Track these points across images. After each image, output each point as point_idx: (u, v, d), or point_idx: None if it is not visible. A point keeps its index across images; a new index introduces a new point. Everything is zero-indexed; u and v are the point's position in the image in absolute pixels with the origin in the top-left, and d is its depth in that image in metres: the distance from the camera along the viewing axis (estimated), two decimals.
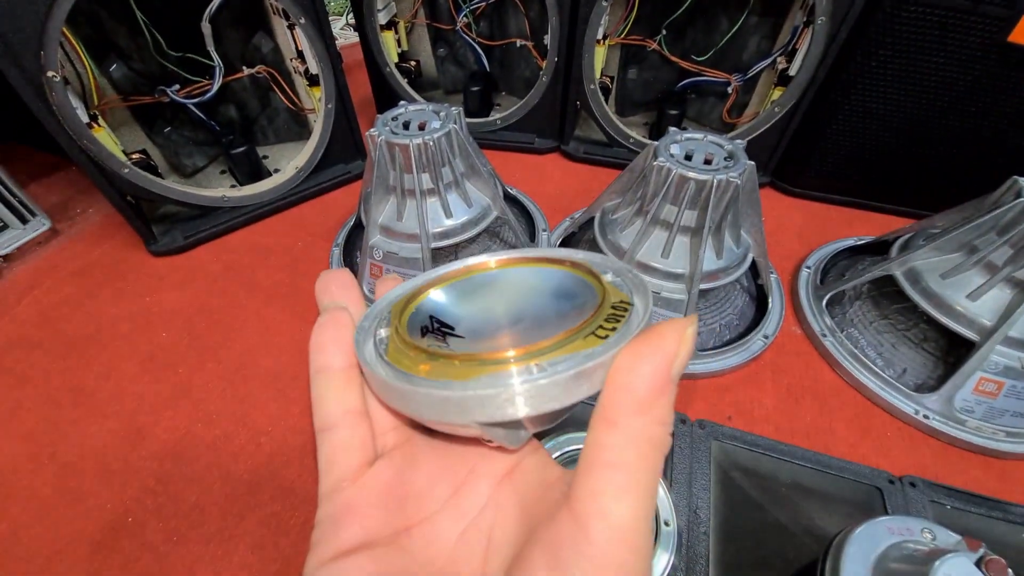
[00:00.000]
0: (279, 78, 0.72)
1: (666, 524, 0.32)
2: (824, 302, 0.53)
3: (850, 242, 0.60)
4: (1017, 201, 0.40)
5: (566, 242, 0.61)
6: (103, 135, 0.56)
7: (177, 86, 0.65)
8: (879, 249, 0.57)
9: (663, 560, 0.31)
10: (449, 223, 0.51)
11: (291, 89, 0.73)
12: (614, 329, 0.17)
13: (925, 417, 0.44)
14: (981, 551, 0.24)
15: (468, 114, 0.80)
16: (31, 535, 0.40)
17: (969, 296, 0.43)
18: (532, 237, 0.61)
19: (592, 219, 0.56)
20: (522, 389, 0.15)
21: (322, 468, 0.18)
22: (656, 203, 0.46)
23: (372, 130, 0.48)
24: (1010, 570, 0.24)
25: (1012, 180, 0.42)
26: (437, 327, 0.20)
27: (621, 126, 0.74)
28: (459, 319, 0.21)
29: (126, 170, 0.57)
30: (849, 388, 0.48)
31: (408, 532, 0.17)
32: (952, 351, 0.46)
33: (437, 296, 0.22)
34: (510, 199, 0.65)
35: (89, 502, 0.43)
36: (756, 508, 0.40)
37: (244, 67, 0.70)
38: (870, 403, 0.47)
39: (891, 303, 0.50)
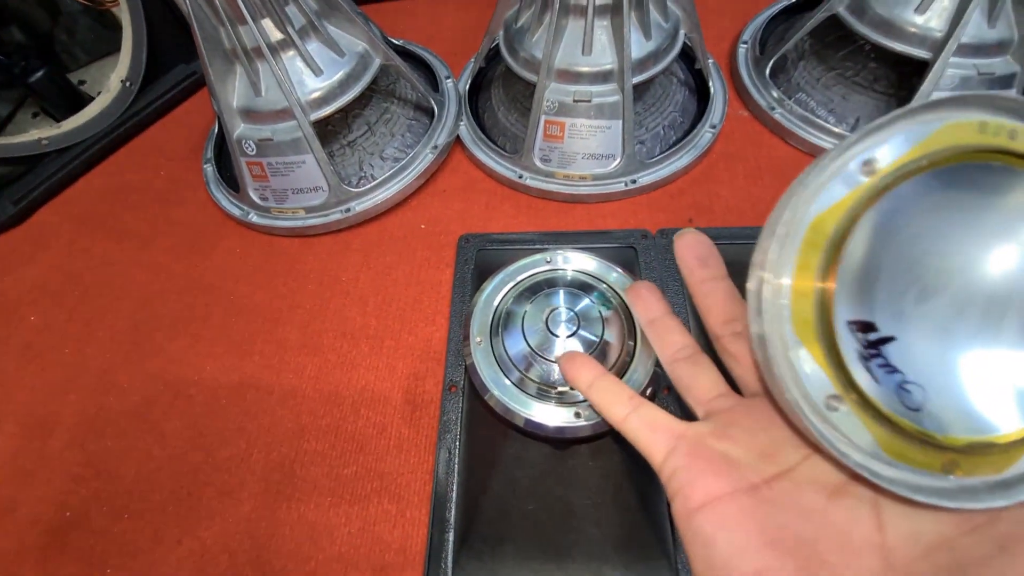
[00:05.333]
0: None
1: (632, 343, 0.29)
2: (767, 73, 0.47)
3: (783, 3, 0.53)
4: None
5: (476, 83, 0.52)
6: None
7: None
8: (815, 2, 0.50)
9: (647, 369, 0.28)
10: (322, 83, 0.41)
11: None
12: None
13: None
14: None
15: None
16: None
17: (917, 10, 0.38)
18: (435, 88, 0.51)
19: (497, 45, 0.46)
20: None
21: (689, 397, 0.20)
22: None
23: None
24: None
25: None
26: (868, 344, 0.14)
27: None
28: (873, 304, 0.14)
29: None
30: (806, 156, 0.45)
31: (768, 485, 0.16)
32: (904, 84, 0.43)
33: (849, 275, 0.14)
34: (400, 53, 0.53)
35: (19, 512, 0.37)
36: None
37: None
38: None
39: (836, 52, 0.45)
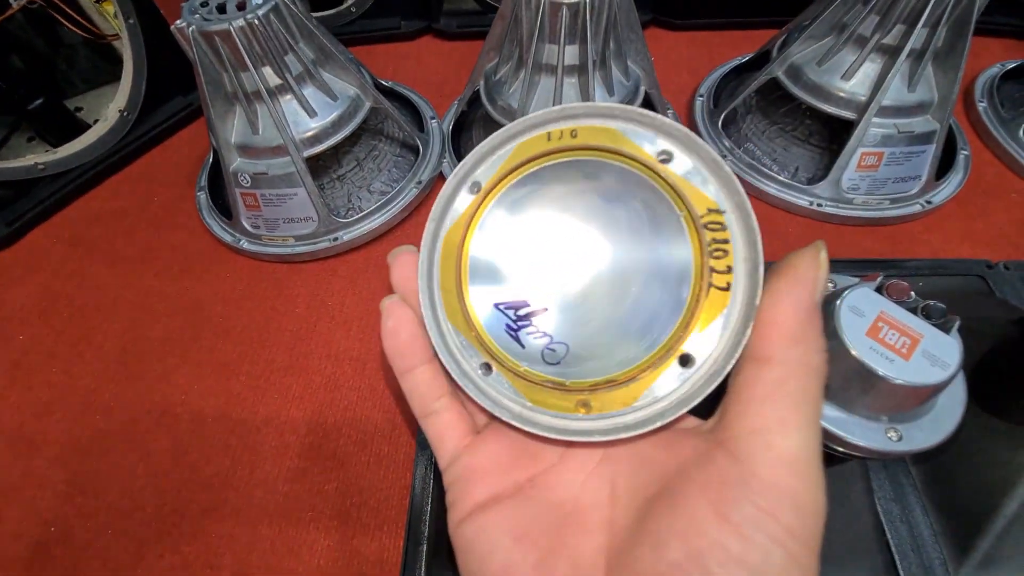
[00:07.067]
0: (57, 2, 0.56)
1: None
2: (720, 124, 0.53)
3: (736, 62, 0.60)
4: None
5: (458, 123, 0.56)
6: None
7: None
8: (763, 61, 0.56)
9: None
10: (315, 124, 0.44)
11: (78, 13, 0.58)
12: (729, 270, 0.15)
13: (819, 206, 0.47)
14: (879, 279, 0.26)
15: (315, 6, 0.68)
16: None
17: (844, 76, 0.44)
18: (421, 128, 0.56)
19: (478, 91, 0.51)
20: (691, 389, 0.16)
21: (435, 446, 0.20)
22: (534, 45, 0.42)
23: (179, 22, 0.38)
24: (913, 292, 0.26)
25: None
26: (519, 319, 0.18)
27: None
28: (524, 287, 0.18)
29: None
30: (753, 199, 0.50)
31: (531, 483, 0.18)
32: (835, 139, 0.48)
33: (485, 271, 0.18)
34: (387, 93, 0.58)
35: (2, 526, 0.38)
36: None
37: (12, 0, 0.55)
38: (772, 207, 0.49)
39: (777, 108, 0.51)
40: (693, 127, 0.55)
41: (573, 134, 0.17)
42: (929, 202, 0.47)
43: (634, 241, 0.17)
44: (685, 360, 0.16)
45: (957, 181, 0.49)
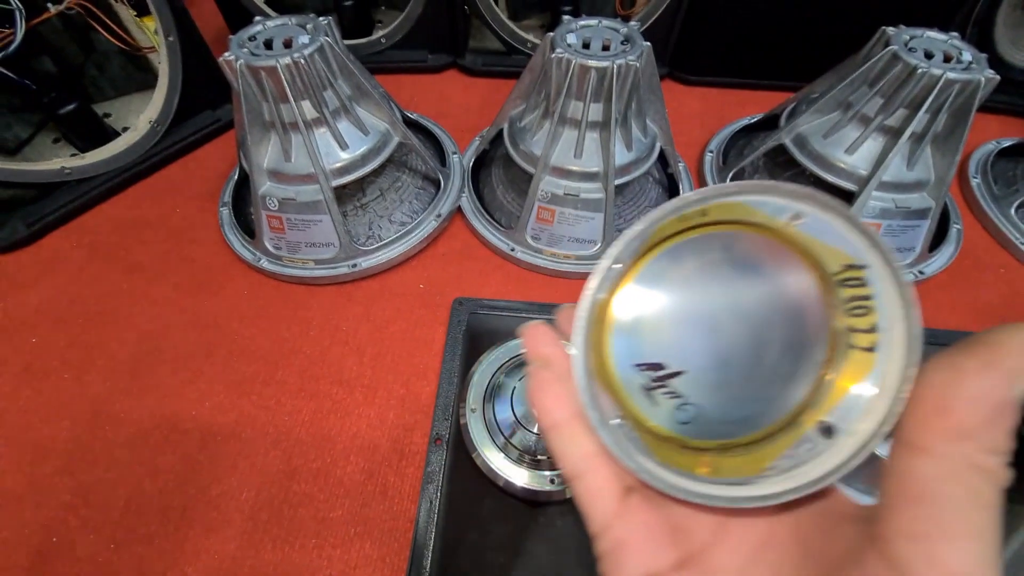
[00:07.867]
0: (97, 11, 0.58)
1: None
2: (728, 180, 0.55)
3: (745, 122, 0.63)
4: (886, 50, 0.42)
5: (479, 160, 0.58)
6: None
7: None
8: (770, 124, 0.60)
9: None
10: (346, 156, 0.46)
11: (116, 24, 0.60)
12: (873, 328, 0.14)
13: None
14: None
15: (346, 35, 0.71)
16: None
17: (847, 151, 0.47)
18: (443, 162, 0.58)
19: (501, 132, 0.53)
20: (832, 463, 0.14)
21: (585, 510, 0.19)
22: (561, 101, 0.44)
23: (227, 54, 0.40)
24: None
25: (880, 31, 0.44)
26: (656, 380, 0.18)
27: (517, 30, 0.69)
28: (663, 351, 0.18)
29: None
30: None
31: (686, 565, 0.16)
32: None
33: (626, 335, 0.19)
34: (412, 124, 0.60)
35: (4, 534, 0.38)
36: None
37: (50, 4, 0.56)
38: None
39: (783, 171, 0.54)
40: (703, 181, 0.58)
41: (704, 213, 0.18)
42: (922, 272, 0.50)
43: (769, 306, 0.17)
44: (825, 429, 0.15)
45: (949, 253, 0.52)
